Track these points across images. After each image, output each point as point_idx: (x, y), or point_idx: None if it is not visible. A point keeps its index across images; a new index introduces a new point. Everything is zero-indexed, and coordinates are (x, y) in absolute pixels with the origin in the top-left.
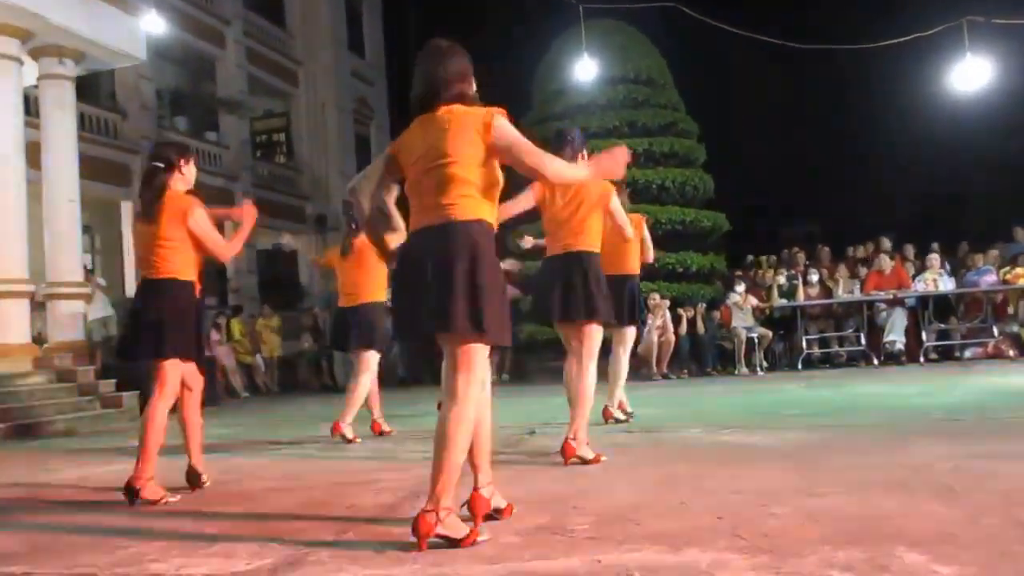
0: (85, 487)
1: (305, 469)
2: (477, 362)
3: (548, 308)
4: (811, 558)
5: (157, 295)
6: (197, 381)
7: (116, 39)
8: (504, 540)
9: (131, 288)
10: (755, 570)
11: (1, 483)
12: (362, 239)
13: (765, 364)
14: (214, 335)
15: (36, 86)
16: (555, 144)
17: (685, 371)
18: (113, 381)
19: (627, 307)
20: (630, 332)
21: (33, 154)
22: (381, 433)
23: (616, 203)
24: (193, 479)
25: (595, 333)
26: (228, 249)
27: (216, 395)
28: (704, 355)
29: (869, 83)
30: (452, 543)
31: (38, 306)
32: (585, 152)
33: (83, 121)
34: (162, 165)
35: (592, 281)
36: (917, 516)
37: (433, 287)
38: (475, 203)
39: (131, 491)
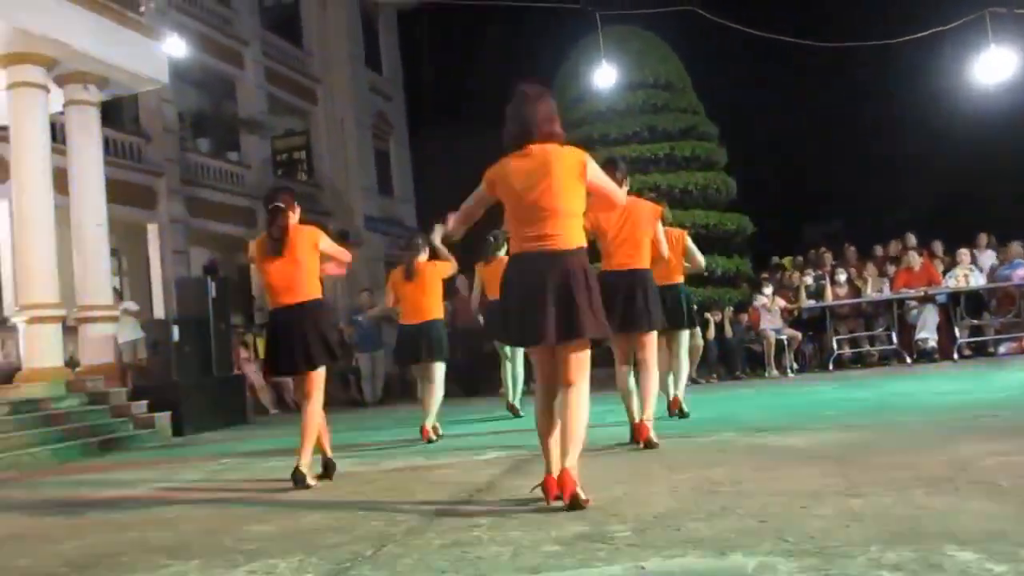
0: (123, 507)
1: (341, 482)
2: (588, 358)
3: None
4: (860, 559)
5: (303, 315)
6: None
7: (139, 64)
8: (545, 549)
9: (159, 310)
10: (803, 572)
11: (41, 504)
12: (423, 263)
13: (795, 366)
14: (242, 353)
15: (62, 112)
16: (605, 168)
17: (714, 375)
18: (145, 402)
19: (677, 312)
20: (684, 335)
21: (60, 180)
22: (430, 440)
23: (660, 228)
24: (330, 468)
25: (655, 339)
26: (342, 261)
27: (245, 412)
28: (733, 359)
29: (890, 79)
30: (579, 502)
31: (70, 330)
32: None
33: (108, 145)
34: (282, 206)
35: (651, 295)
36: (965, 514)
37: (552, 302)
38: (576, 232)
39: (298, 476)
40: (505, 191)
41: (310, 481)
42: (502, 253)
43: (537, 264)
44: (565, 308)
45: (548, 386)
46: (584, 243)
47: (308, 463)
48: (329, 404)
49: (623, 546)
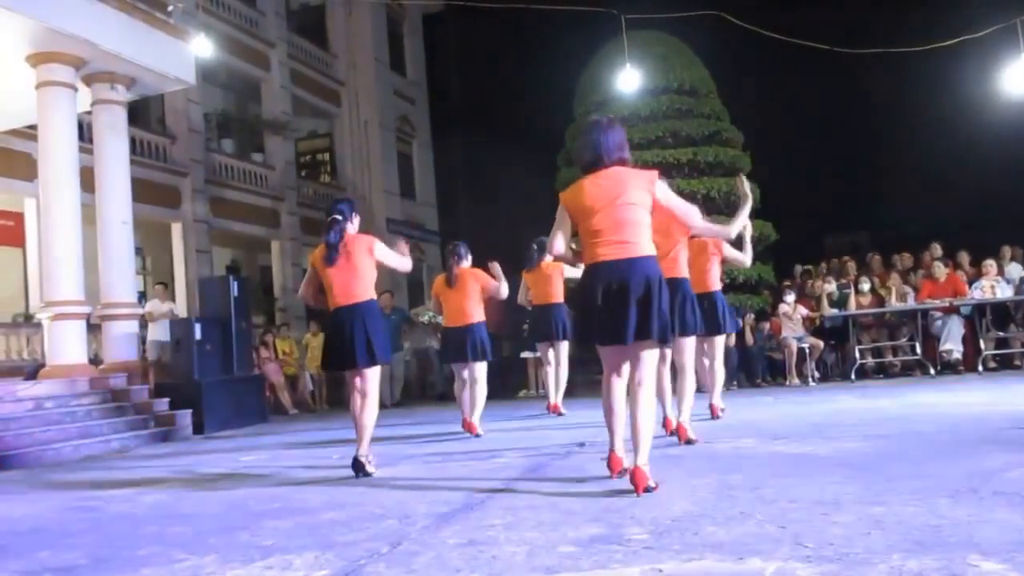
0: (142, 502)
1: (358, 481)
2: (657, 358)
3: None
4: (880, 566)
5: (361, 315)
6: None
7: (166, 64)
8: (561, 550)
9: (182, 309)
10: None
11: (61, 498)
12: (464, 269)
13: (816, 375)
14: (262, 352)
15: (89, 112)
16: None
17: (735, 383)
18: (166, 400)
19: (711, 319)
20: (718, 340)
21: (87, 178)
22: (477, 435)
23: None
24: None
25: (690, 344)
26: (406, 264)
27: (265, 411)
28: (754, 366)
29: (917, 88)
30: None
31: (93, 327)
32: None
33: (134, 145)
34: (339, 218)
35: (688, 302)
36: (989, 524)
37: (630, 305)
38: (648, 241)
39: (358, 464)
40: (579, 209)
41: (370, 469)
42: (549, 259)
43: (618, 269)
44: (642, 311)
45: (617, 378)
46: (655, 252)
47: (366, 452)
48: (344, 405)
49: (640, 548)
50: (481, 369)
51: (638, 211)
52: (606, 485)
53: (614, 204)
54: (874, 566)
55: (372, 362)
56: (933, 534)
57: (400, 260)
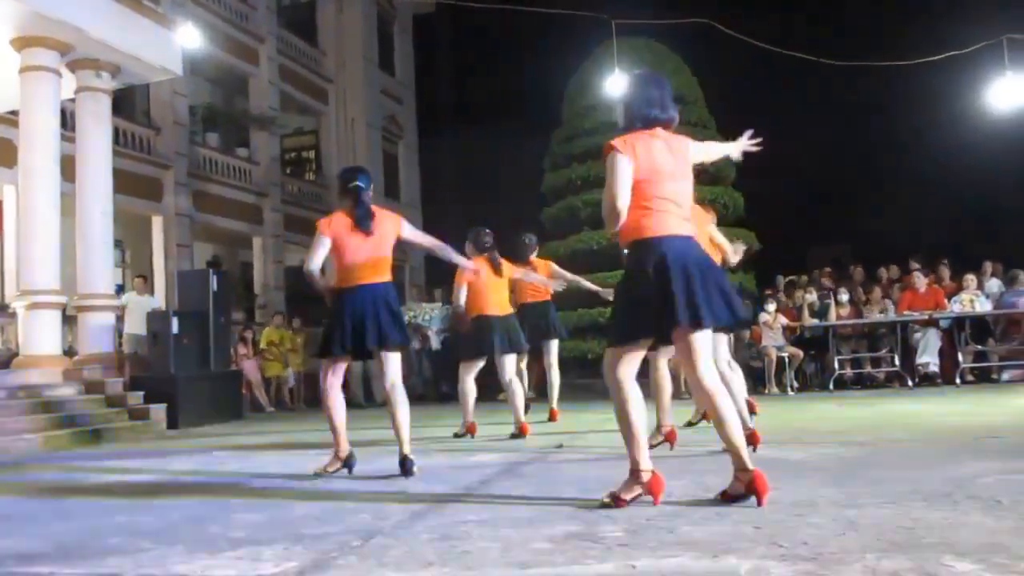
0: (111, 492)
1: (333, 477)
2: None
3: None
4: (855, 566)
5: (387, 296)
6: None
7: (153, 53)
8: (535, 546)
9: (161, 302)
10: None
11: (30, 488)
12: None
13: (795, 384)
14: (240, 349)
15: (73, 99)
16: None
17: None
18: (141, 394)
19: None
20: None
21: (68, 167)
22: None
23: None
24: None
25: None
26: (445, 250)
27: (240, 408)
28: None
29: (903, 101)
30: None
31: (69, 319)
32: None
33: (118, 136)
34: (363, 185)
35: None
36: (963, 527)
37: (694, 286)
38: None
39: (408, 462)
40: (649, 166)
41: (415, 469)
42: (534, 256)
43: (682, 248)
44: (708, 295)
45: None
46: None
47: (409, 448)
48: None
49: (614, 546)
50: (556, 348)
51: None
52: (582, 485)
53: (682, 176)
54: (849, 565)
55: (406, 340)
56: (908, 535)
57: (433, 241)
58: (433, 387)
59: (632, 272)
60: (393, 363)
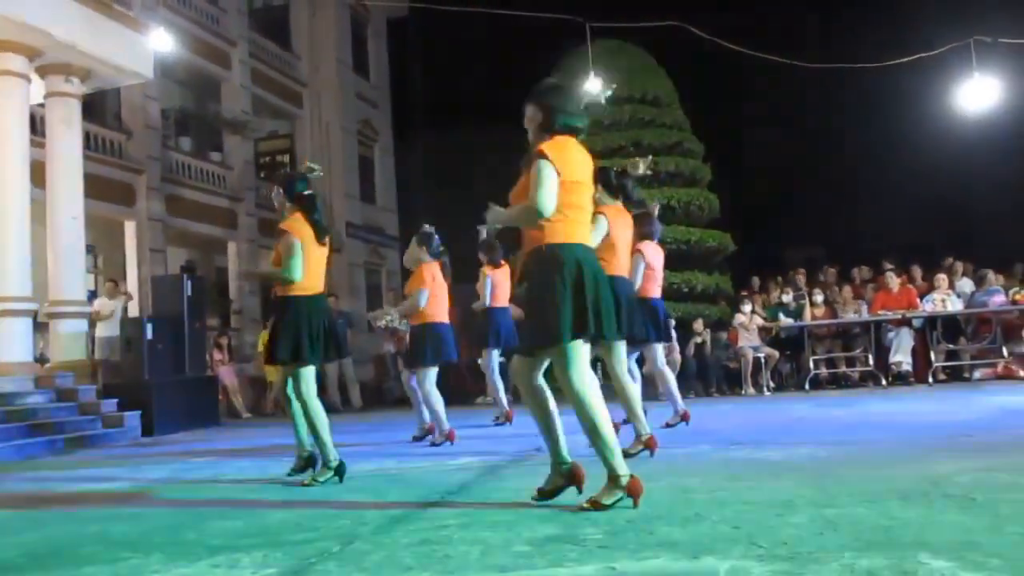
0: (85, 501)
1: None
2: None
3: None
4: (832, 564)
5: (328, 307)
6: None
7: (124, 57)
8: (515, 548)
9: (134, 308)
10: None
11: (1, 497)
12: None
13: (771, 384)
14: (216, 354)
15: (42, 104)
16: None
17: (692, 392)
18: (115, 401)
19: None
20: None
21: (38, 173)
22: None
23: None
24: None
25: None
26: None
27: (217, 414)
28: (709, 375)
29: (875, 103)
30: None
31: (42, 325)
32: None
33: (88, 140)
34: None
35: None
36: (939, 525)
37: (610, 299)
38: None
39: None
40: (572, 173)
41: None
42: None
43: (592, 258)
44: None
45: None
46: None
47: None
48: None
49: (594, 548)
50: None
51: None
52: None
53: (590, 186)
54: (826, 564)
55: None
56: (884, 534)
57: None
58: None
59: (547, 278)
60: (350, 368)
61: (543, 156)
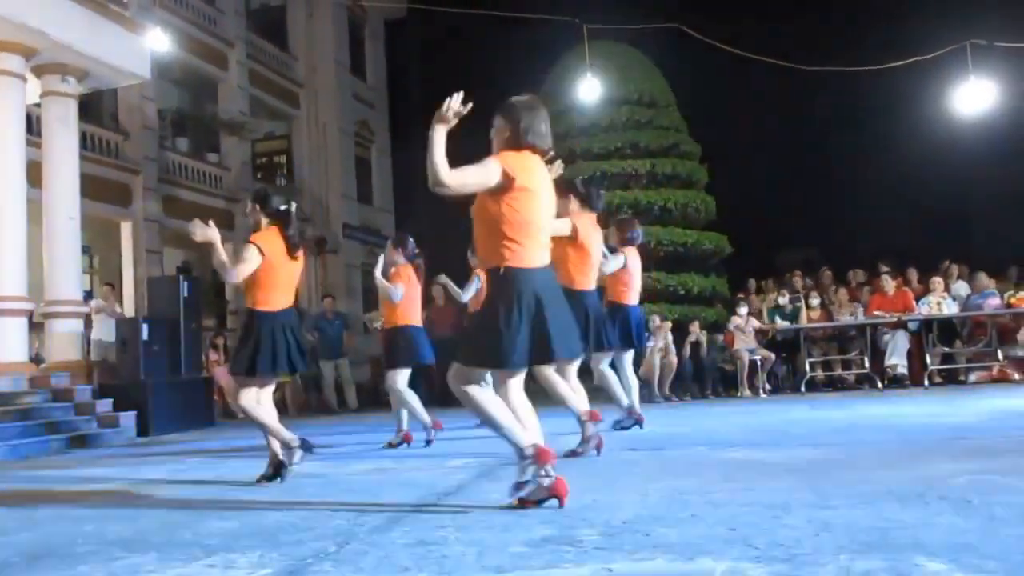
0: (81, 500)
1: (307, 483)
2: None
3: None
4: (829, 566)
5: (294, 320)
6: None
7: (121, 58)
8: (512, 550)
9: (130, 309)
10: None
11: None
12: None
13: (768, 387)
14: (211, 355)
15: (39, 104)
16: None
17: (688, 395)
18: (110, 401)
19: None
20: None
21: (34, 173)
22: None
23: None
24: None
25: None
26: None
27: (212, 415)
28: (705, 378)
29: (871, 106)
30: None
31: (37, 325)
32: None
33: (85, 141)
34: (293, 208)
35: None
36: (934, 527)
37: (559, 320)
38: None
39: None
40: (527, 189)
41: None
42: None
43: (549, 280)
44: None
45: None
46: None
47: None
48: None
49: (591, 549)
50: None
51: None
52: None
53: (551, 207)
54: (823, 566)
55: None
56: (880, 536)
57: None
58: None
59: (503, 303)
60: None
61: (497, 157)
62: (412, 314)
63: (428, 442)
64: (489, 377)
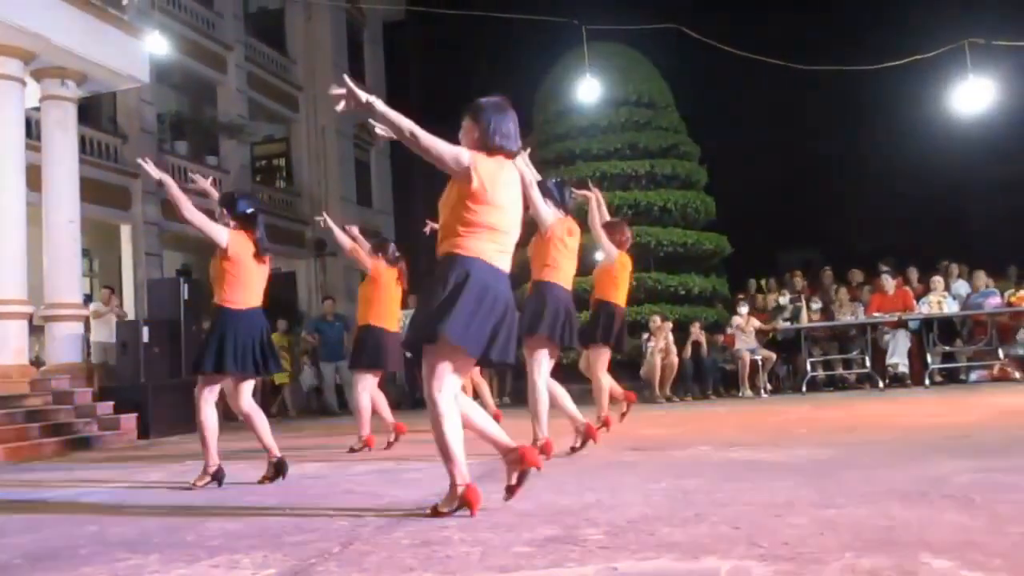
0: (82, 502)
1: (309, 484)
2: None
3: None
4: (834, 565)
5: (263, 321)
6: None
7: (119, 61)
8: (516, 549)
9: (130, 311)
10: None
11: None
12: None
13: (769, 387)
14: None
15: (38, 108)
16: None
17: (689, 395)
18: (111, 403)
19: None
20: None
21: (33, 177)
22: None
23: None
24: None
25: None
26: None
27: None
28: (706, 378)
29: (870, 106)
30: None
31: (37, 329)
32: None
33: (84, 144)
34: (257, 209)
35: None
36: (939, 525)
37: (509, 321)
38: None
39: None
40: (487, 187)
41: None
42: None
43: (503, 282)
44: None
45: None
46: None
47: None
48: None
49: (595, 548)
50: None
51: None
52: (562, 489)
53: (519, 212)
54: (827, 564)
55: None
56: (885, 534)
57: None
58: (409, 394)
59: (450, 279)
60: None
61: (473, 155)
62: (386, 316)
63: (357, 451)
64: (462, 399)
